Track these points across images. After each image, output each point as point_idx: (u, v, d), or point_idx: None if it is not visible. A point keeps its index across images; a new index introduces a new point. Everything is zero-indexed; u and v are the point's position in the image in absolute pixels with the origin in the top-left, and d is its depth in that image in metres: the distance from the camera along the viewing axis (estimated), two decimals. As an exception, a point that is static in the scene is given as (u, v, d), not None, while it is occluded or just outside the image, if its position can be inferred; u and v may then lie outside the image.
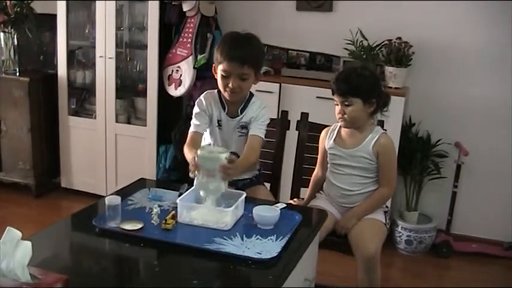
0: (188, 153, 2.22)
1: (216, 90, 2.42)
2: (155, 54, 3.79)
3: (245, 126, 2.39)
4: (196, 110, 2.40)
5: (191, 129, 2.38)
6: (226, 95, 2.33)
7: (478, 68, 3.54)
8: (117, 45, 3.90)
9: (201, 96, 2.44)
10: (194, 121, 2.38)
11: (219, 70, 2.28)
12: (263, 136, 2.37)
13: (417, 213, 3.62)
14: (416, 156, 3.51)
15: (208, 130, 2.43)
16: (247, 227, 1.89)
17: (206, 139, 2.46)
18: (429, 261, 3.49)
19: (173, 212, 1.90)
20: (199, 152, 1.98)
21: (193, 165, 1.97)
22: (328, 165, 2.51)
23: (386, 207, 2.53)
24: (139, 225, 1.83)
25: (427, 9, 3.55)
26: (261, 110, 2.39)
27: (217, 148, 2.10)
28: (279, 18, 3.91)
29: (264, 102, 2.44)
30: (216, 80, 2.35)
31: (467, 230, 3.68)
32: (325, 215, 2.15)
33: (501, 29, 3.42)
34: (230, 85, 2.26)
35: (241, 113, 2.39)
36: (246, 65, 2.25)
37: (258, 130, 2.36)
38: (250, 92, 2.41)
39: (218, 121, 2.41)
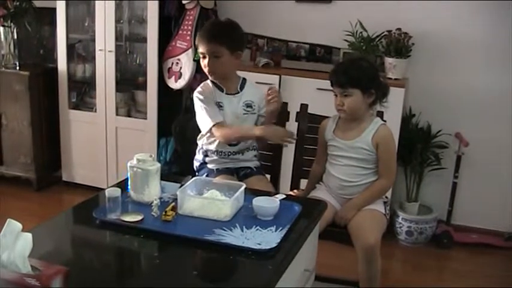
0: (232, 130, 2.39)
1: (208, 80, 2.52)
2: (155, 47, 3.79)
3: (250, 105, 2.49)
4: (202, 103, 2.42)
5: (212, 122, 2.39)
6: (209, 76, 2.45)
7: (478, 58, 3.53)
8: (116, 39, 3.90)
9: (198, 89, 2.49)
10: (209, 113, 2.39)
11: (200, 54, 2.41)
12: None
13: (418, 204, 3.63)
14: (417, 147, 3.52)
15: None
16: (247, 218, 1.90)
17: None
18: (430, 252, 3.50)
19: (173, 203, 1.91)
20: (129, 163, 1.97)
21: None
22: (328, 156, 2.51)
23: (386, 197, 2.53)
24: (139, 217, 1.84)
25: (426, 0, 3.53)
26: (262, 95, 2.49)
27: (147, 158, 1.98)
28: (278, 10, 3.90)
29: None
30: None
31: (467, 221, 3.68)
32: (325, 206, 2.16)
33: (501, 20, 3.41)
34: (206, 64, 2.38)
35: (241, 89, 2.49)
36: (216, 43, 2.34)
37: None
38: (244, 78, 2.54)
39: (219, 103, 2.46)
